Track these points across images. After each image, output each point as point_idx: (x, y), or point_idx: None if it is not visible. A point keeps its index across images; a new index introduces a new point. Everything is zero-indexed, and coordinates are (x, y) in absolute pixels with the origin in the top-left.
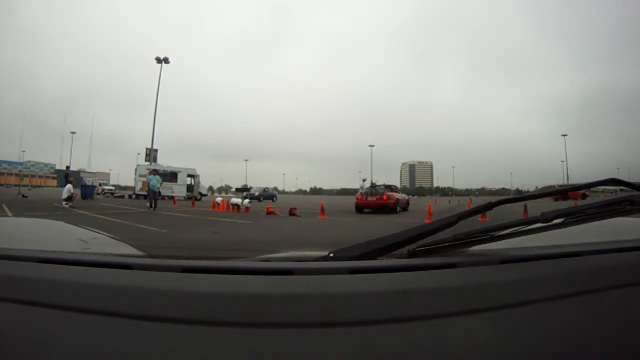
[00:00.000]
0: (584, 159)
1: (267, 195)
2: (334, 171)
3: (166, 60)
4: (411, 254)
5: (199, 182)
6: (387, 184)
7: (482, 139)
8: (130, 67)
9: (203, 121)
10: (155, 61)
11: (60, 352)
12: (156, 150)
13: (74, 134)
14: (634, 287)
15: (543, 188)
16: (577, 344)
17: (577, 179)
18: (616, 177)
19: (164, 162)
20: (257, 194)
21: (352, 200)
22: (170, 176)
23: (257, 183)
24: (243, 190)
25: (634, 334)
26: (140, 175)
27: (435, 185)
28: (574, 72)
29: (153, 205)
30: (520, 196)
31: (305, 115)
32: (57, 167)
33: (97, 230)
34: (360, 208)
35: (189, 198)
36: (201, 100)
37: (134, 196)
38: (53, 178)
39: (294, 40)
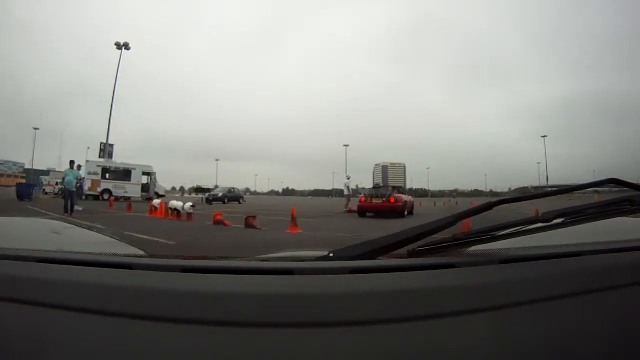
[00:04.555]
0: (559, 161)
1: (233, 196)
2: (307, 172)
3: (126, 46)
4: (411, 254)
5: (155, 181)
6: (394, 185)
7: (458, 141)
8: (107, 63)
9: (176, 120)
10: (115, 47)
11: (60, 352)
12: (112, 146)
13: (37, 130)
14: (634, 287)
15: (533, 188)
16: (578, 344)
17: (553, 180)
18: (616, 177)
19: (137, 162)
20: (221, 194)
21: (328, 203)
22: (123, 174)
23: (228, 184)
24: (202, 190)
25: (634, 334)
26: (90, 173)
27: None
28: (550, 78)
29: (69, 209)
30: (521, 196)
31: (279, 116)
32: (27, 167)
33: (97, 230)
34: (363, 211)
35: (148, 199)
36: (174, 99)
37: (84, 197)
38: (22, 177)
39: (271, 42)
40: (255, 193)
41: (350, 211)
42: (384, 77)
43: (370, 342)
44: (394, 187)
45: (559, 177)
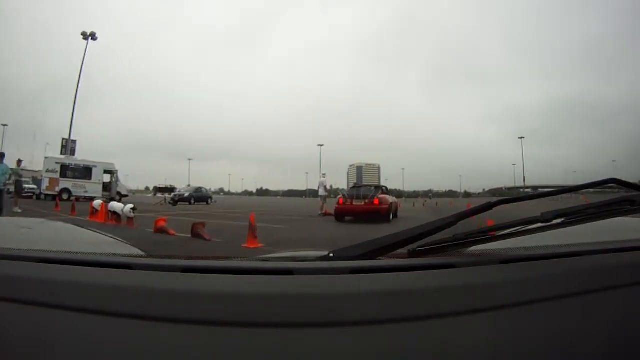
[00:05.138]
0: (532, 162)
1: (201, 196)
2: (281, 172)
3: (93, 37)
4: (411, 254)
5: (117, 180)
6: (377, 184)
7: (432, 142)
8: (82, 56)
9: (150, 119)
10: (82, 37)
11: (60, 352)
12: (74, 142)
13: (6, 127)
14: (634, 287)
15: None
16: (577, 344)
17: (530, 181)
18: (616, 177)
19: (110, 161)
20: (187, 194)
21: (302, 203)
22: (84, 172)
23: (201, 184)
24: (165, 190)
25: (634, 334)
26: (48, 171)
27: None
28: (526, 80)
29: None
30: (521, 196)
31: (253, 116)
32: None
33: (97, 230)
34: (341, 215)
35: (110, 200)
36: (148, 96)
37: (43, 196)
38: None
39: (246, 41)
40: (229, 193)
41: (326, 214)
42: (359, 78)
43: (370, 342)
44: (377, 187)
45: (534, 178)
